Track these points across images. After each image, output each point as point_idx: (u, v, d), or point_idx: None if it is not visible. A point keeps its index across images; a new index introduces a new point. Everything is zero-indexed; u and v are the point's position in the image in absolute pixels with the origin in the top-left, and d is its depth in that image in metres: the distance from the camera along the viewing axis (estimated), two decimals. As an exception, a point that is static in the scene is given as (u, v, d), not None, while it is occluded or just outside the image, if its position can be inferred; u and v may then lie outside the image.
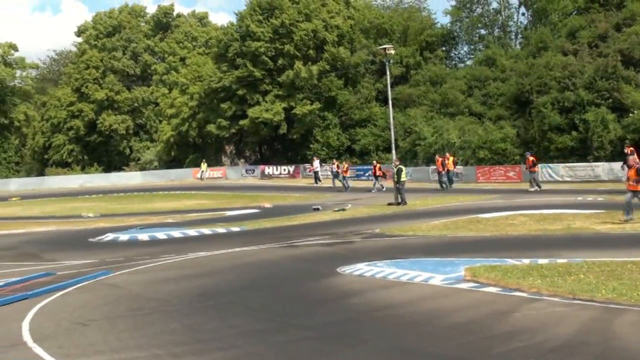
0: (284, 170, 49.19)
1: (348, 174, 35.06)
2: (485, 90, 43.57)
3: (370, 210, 24.50)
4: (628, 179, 15.76)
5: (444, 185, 32.19)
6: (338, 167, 35.61)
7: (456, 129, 41.41)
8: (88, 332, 8.02)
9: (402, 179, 25.81)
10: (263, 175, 50.21)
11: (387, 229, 17.58)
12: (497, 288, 9.32)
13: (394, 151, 27.23)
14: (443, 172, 32.52)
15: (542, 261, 11.19)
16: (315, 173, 41.27)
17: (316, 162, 42.13)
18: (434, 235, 16.03)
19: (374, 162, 36.28)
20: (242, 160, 53.32)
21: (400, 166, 26.21)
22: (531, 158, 29.15)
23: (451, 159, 33.31)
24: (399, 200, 25.68)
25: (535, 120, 36.51)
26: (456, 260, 11.93)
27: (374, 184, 33.08)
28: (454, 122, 42.73)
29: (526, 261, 11.28)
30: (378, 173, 33.01)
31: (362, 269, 11.49)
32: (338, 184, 35.35)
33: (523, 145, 37.79)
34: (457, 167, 34.61)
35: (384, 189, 32.08)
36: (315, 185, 38.82)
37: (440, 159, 33.08)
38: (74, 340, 7.67)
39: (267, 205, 28.39)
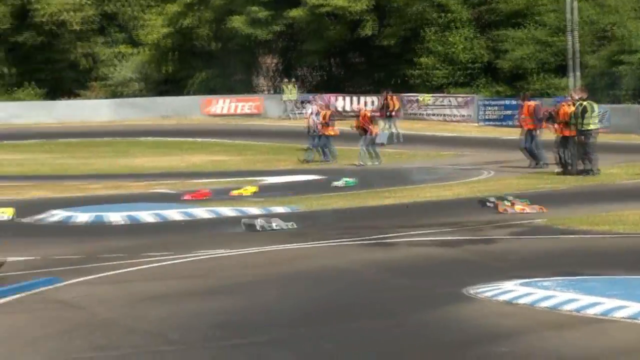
0: (369, 103, 49.13)
1: (333, 131, 32.51)
2: None
3: (527, 181, 24.35)
4: None
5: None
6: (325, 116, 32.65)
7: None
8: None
9: (588, 127, 25.40)
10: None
11: (559, 219, 17.40)
12: None
13: (575, 73, 26.76)
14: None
15: None
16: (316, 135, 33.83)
17: (312, 108, 35.65)
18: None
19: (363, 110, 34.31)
20: (291, 83, 53.50)
21: (587, 102, 25.77)
22: None
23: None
24: (583, 165, 25.35)
25: None
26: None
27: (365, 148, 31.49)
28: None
29: None
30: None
31: (512, 290, 11.42)
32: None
33: None
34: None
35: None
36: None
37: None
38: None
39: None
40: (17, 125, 50.15)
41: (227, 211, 19.55)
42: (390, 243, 15.51)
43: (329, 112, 33.05)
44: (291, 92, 50.57)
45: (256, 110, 53.10)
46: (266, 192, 23.15)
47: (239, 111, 53.10)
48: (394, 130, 38.19)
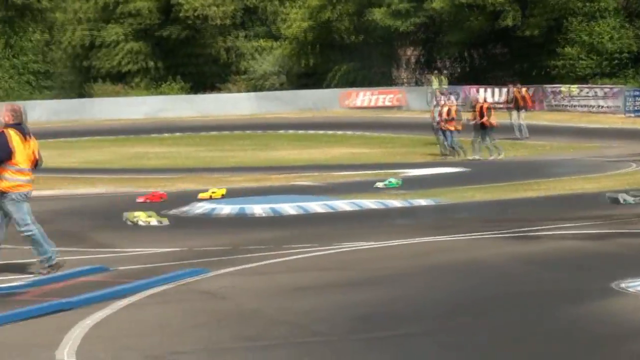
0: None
1: (454, 126, 31.31)
2: None
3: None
4: None
5: None
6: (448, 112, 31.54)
7: None
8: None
9: None
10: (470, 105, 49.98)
11: None
12: None
13: None
14: None
15: None
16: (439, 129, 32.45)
17: (439, 101, 33.86)
18: None
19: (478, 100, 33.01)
20: (434, 75, 53.28)
21: None
22: None
23: None
24: None
25: None
26: None
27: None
28: None
29: None
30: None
31: (667, 286, 11.17)
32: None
33: None
34: None
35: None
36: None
37: None
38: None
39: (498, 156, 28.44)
40: (162, 118, 51.33)
41: (370, 204, 19.59)
42: (534, 236, 15.33)
43: (454, 107, 32.11)
44: (442, 83, 50.15)
45: (397, 102, 53.07)
46: (235, 195, 21.90)
47: (379, 104, 53.17)
48: (515, 122, 37.30)
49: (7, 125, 12.60)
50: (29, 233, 12.73)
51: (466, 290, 11.45)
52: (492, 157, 30.19)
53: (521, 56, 52.92)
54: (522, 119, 37.53)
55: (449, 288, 11.60)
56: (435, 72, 52.61)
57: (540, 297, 11.02)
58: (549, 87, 47.57)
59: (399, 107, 52.70)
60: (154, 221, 17.65)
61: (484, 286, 11.72)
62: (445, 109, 31.46)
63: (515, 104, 37.42)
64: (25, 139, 12.76)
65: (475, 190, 21.66)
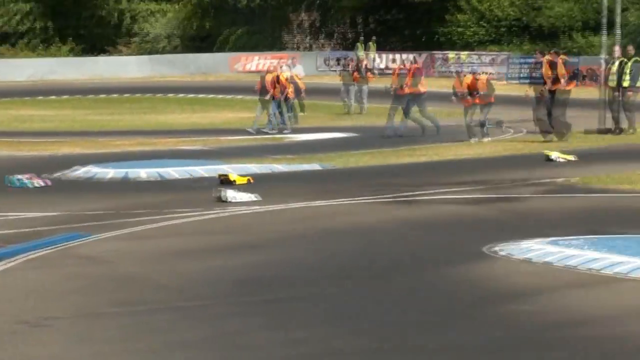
0: (403, 60, 48.86)
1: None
2: None
3: (561, 142, 24.22)
4: None
5: None
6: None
7: None
8: (44, 340, 8.29)
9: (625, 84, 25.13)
10: (361, 70, 50.06)
11: (591, 178, 17.39)
12: None
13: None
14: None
15: None
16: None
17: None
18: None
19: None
20: (325, 41, 53.21)
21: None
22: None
23: None
24: (619, 124, 25.13)
25: None
26: None
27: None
28: None
29: None
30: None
31: (535, 249, 11.44)
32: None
33: None
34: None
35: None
36: None
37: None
38: (21, 354, 8.00)
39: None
40: (49, 81, 50.44)
41: (255, 169, 19.45)
42: (414, 200, 15.58)
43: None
44: (370, 50, 49.92)
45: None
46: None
47: (269, 67, 52.94)
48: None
49: None
50: None
51: (347, 254, 11.60)
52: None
53: (418, 22, 53.30)
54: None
55: (330, 252, 11.73)
56: (361, 39, 52.26)
57: (414, 258, 11.33)
58: (439, 54, 48.05)
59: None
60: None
61: (362, 249, 11.90)
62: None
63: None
64: None
65: (362, 156, 21.81)
